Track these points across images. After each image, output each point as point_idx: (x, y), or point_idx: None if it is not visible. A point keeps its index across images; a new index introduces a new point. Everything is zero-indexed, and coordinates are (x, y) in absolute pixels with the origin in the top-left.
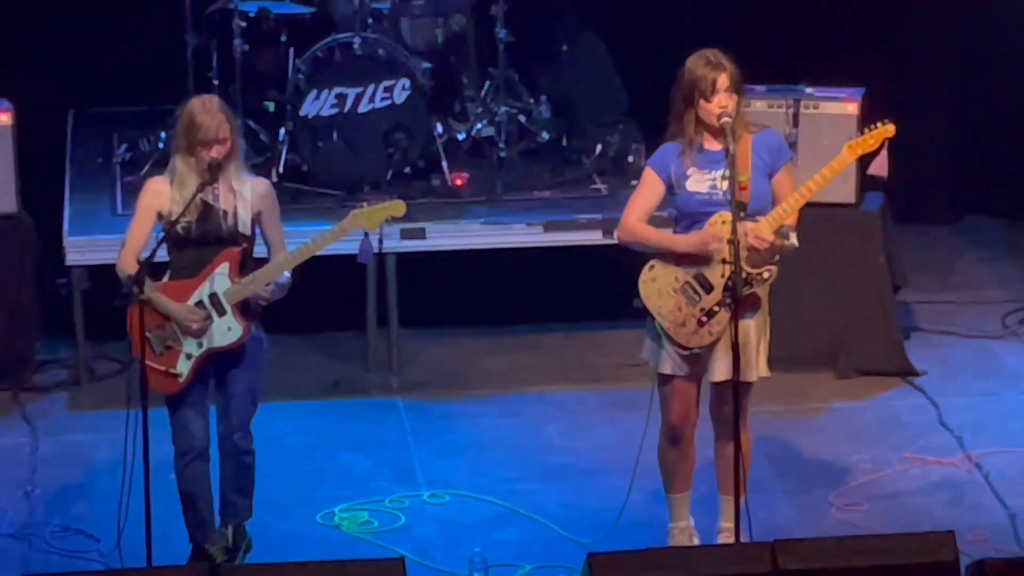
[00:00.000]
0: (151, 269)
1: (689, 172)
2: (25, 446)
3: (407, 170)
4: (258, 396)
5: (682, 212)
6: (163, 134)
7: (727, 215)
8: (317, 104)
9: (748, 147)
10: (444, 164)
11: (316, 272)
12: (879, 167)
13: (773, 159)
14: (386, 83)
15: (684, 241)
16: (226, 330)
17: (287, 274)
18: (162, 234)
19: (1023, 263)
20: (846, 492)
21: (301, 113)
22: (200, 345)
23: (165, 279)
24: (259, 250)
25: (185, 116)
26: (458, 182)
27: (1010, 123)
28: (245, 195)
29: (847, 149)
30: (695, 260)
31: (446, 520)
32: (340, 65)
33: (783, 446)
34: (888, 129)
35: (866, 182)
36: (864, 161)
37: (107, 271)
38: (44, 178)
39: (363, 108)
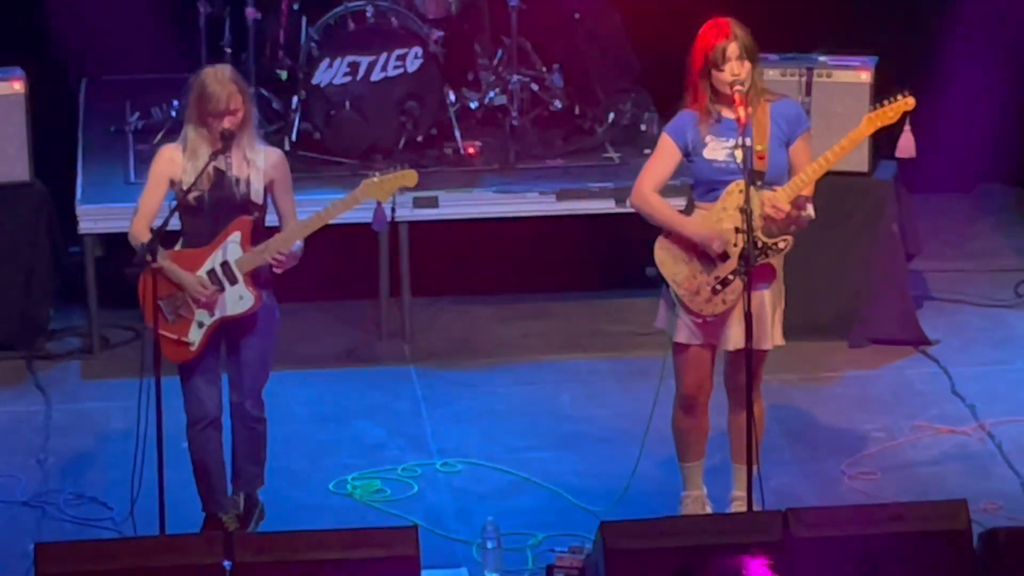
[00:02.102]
0: (163, 237)
1: (706, 140)
2: (38, 414)
3: (419, 139)
4: (269, 364)
5: (699, 179)
6: (176, 102)
7: (744, 183)
8: (330, 72)
9: (766, 116)
10: (457, 133)
11: (329, 241)
12: (906, 149)
13: (791, 128)
14: (399, 51)
15: (692, 230)
16: (238, 299)
17: (299, 242)
18: (175, 202)
19: None
20: (859, 461)
21: (314, 82)
22: (212, 314)
23: (177, 247)
24: (271, 219)
25: (197, 87)
26: (471, 151)
27: None
28: (259, 164)
29: (866, 121)
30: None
31: (459, 488)
32: (353, 33)
33: (796, 415)
34: (908, 102)
35: (880, 151)
36: (878, 132)
37: (120, 239)
38: (57, 146)
39: (376, 76)
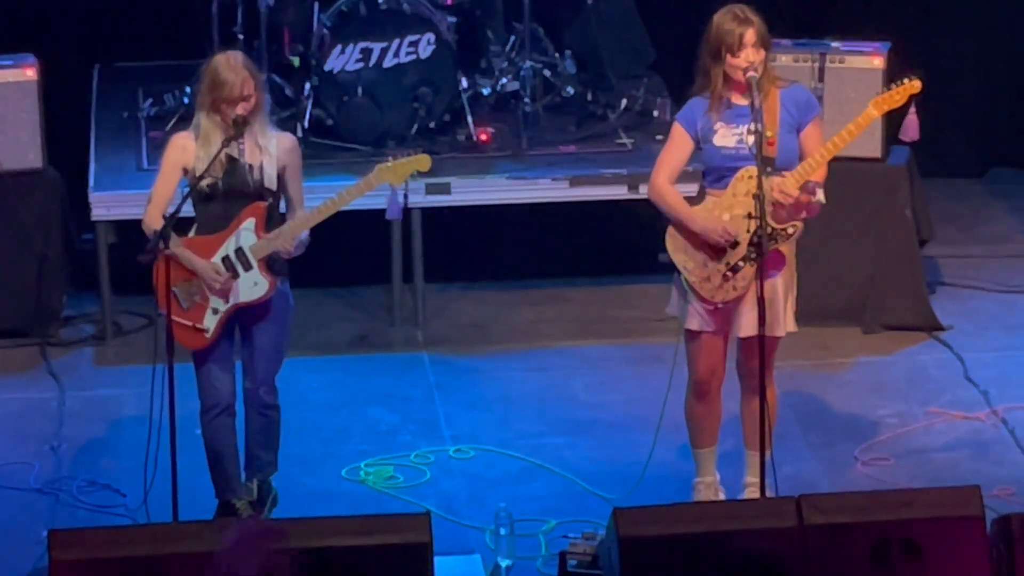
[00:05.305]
0: (177, 224)
1: (716, 127)
2: (51, 401)
3: (432, 125)
4: (283, 351)
5: (709, 166)
6: (188, 89)
7: (753, 170)
8: (342, 59)
9: (776, 102)
10: (469, 119)
11: (342, 227)
12: (910, 132)
13: (801, 114)
14: (411, 38)
15: (697, 223)
16: (252, 285)
17: (305, 232)
18: (188, 189)
19: None
20: (872, 447)
21: (326, 68)
22: (226, 300)
23: (191, 234)
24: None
25: (209, 73)
26: (483, 137)
27: None
28: (271, 150)
29: (873, 105)
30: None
31: (471, 475)
32: (365, 19)
33: (809, 401)
34: (914, 85)
35: (892, 136)
36: (891, 117)
37: (133, 226)
38: (70, 133)
39: (388, 63)
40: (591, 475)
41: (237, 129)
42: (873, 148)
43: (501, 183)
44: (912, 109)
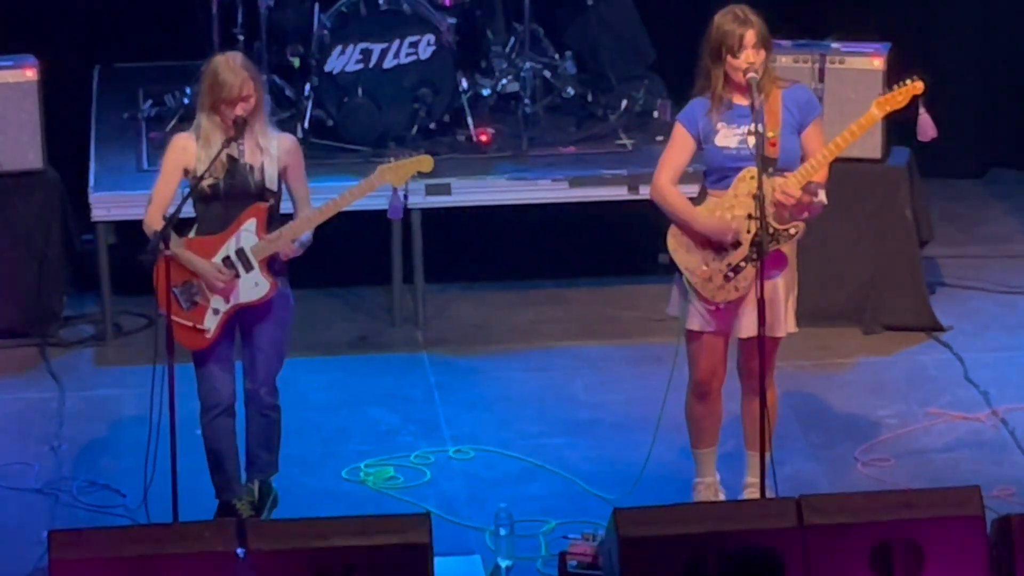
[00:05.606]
0: (177, 224)
1: (718, 127)
2: (52, 401)
3: (432, 126)
4: (284, 352)
5: (711, 167)
6: (188, 89)
7: (755, 170)
8: (342, 60)
9: (778, 102)
10: (469, 120)
11: (342, 227)
12: (927, 131)
13: (803, 114)
14: (411, 38)
15: (702, 224)
16: (253, 285)
17: (308, 233)
18: (188, 190)
19: None
20: (872, 447)
21: (326, 69)
22: (227, 301)
23: (192, 234)
24: (285, 206)
25: (209, 74)
26: (483, 138)
27: None
28: (272, 150)
29: (875, 106)
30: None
31: (471, 475)
32: (365, 20)
33: (809, 401)
34: (917, 86)
35: (893, 137)
36: (891, 118)
37: (133, 227)
38: (70, 134)
39: (388, 64)
40: (591, 475)
41: (237, 130)
42: (873, 148)
43: (501, 184)
44: (923, 109)
